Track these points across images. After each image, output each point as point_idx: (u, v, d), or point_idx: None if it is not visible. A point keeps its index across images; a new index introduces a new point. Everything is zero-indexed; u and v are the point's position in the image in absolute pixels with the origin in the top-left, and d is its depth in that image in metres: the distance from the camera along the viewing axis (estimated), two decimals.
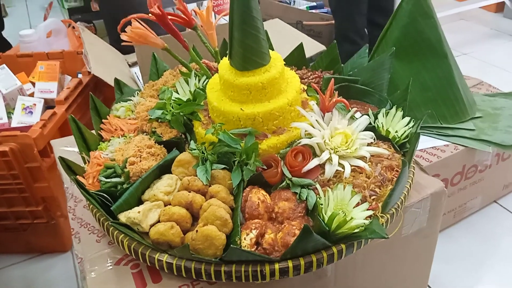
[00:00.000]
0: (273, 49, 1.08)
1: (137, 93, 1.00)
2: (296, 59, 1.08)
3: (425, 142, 1.15)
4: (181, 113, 0.84)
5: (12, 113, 1.30)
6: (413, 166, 0.81)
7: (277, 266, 0.63)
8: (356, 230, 0.64)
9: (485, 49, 2.35)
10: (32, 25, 3.27)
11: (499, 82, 1.72)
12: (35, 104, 1.30)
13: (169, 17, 0.90)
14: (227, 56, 0.79)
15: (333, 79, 0.83)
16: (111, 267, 0.72)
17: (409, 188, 0.77)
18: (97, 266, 0.72)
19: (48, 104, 1.35)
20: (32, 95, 1.36)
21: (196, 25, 0.92)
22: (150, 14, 0.87)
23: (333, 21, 1.91)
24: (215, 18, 0.94)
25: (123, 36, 0.87)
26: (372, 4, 1.79)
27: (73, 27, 1.77)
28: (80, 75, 1.42)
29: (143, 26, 0.88)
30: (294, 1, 2.46)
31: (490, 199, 1.36)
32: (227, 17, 0.75)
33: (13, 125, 1.26)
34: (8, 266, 1.28)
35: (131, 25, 0.87)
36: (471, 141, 1.15)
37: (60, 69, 1.39)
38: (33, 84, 1.39)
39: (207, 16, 0.89)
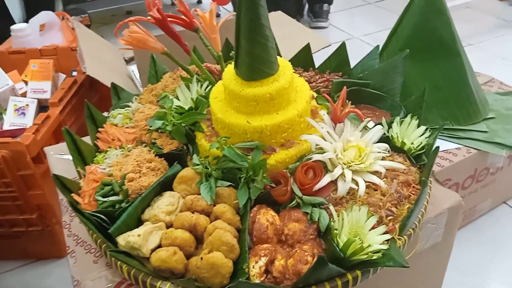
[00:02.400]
0: (279, 51, 1.03)
1: (135, 99, 0.95)
2: (302, 60, 1.03)
3: (438, 145, 1.10)
4: (182, 124, 0.79)
5: (4, 114, 1.24)
6: (430, 179, 0.77)
7: None
8: (373, 257, 0.60)
9: (492, 40, 2.29)
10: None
11: (507, 74, 1.66)
12: (28, 105, 1.24)
13: (169, 19, 0.84)
14: (233, 64, 0.73)
15: (345, 87, 0.78)
16: None
17: (426, 204, 0.72)
18: None
19: (42, 104, 1.29)
20: (24, 94, 1.30)
21: (198, 27, 0.86)
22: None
23: None
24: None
25: (120, 41, 0.81)
26: None
27: (64, 18, 1.70)
28: (74, 73, 1.36)
29: (141, 29, 0.82)
30: None
31: (499, 200, 1.32)
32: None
33: (5, 127, 1.20)
34: (4, 272, 1.24)
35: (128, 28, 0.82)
36: (484, 144, 1.10)
37: (53, 67, 1.33)
38: (26, 83, 1.33)
39: (210, 20, 0.83)
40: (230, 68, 0.74)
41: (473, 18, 2.55)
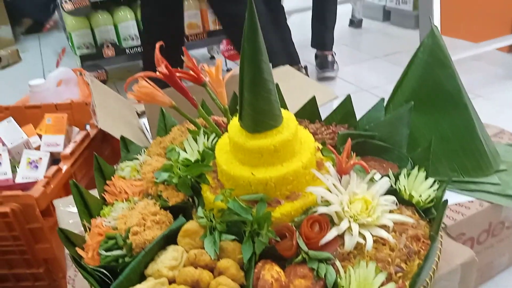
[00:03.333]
0: (284, 103, 1.05)
1: (144, 151, 0.96)
2: (308, 112, 1.04)
3: (449, 198, 1.08)
4: (188, 176, 0.79)
5: (17, 167, 1.26)
6: (440, 234, 0.75)
7: None
8: None
9: (501, 91, 2.30)
10: (45, 69, 3.32)
11: None
12: (41, 158, 1.26)
13: (178, 74, 0.87)
14: (237, 116, 0.74)
15: (350, 139, 0.78)
16: None
17: (437, 260, 0.70)
18: None
19: (54, 157, 1.32)
20: (38, 148, 1.33)
21: (206, 82, 0.89)
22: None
23: None
24: (226, 65, 0.91)
25: (130, 95, 0.84)
26: None
27: (81, 74, 1.77)
28: (88, 127, 1.39)
29: (150, 84, 0.84)
30: None
31: None
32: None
33: (18, 180, 1.22)
34: None
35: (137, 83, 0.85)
36: (497, 196, 1.07)
37: (67, 121, 1.37)
38: (40, 136, 1.36)
39: (217, 74, 0.86)
40: (235, 121, 0.76)
41: (481, 69, 2.58)
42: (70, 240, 0.73)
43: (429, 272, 0.67)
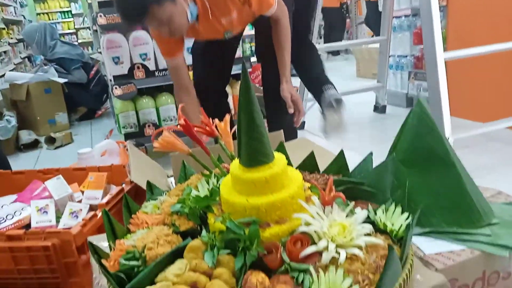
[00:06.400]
0: (289, 160, 1.21)
1: (165, 193, 1.13)
2: (308, 165, 1.20)
3: (442, 246, 1.16)
4: (197, 207, 0.95)
5: (61, 217, 1.46)
6: (411, 259, 0.85)
7: None
8: None
9: None
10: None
11: None
12: (81, 210, 1.46)
13: (196, 129, 1.07)
14: (237, 156, 0.92)
15: (331, 177, 0.93)
16: None
17: (406, 276, 0.79)
18: None
19: (93, 210, 1.51)
20: (80, 201, 1.53)
21: (218, 136, 1.08)
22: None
23: None
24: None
25: (155, 144, 1.04)
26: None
27: (125, 146, 2.03)
28: (124, 184, 1.59)
29: (172, 135, 1.05)
30: None
31: None
32: None
33: (59, 227, 1.41)
34: None
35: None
36: (487, 246, 1.15)
37: (107, 179, 1.58)
38: (82, 192, 1.57)
39: (225, 127, 1.06)
40: (236, 161, 0.93)
41: (498, 150, 2.67)
42: (97, 253, 0.89)
43: (395, 283, 0.77)
